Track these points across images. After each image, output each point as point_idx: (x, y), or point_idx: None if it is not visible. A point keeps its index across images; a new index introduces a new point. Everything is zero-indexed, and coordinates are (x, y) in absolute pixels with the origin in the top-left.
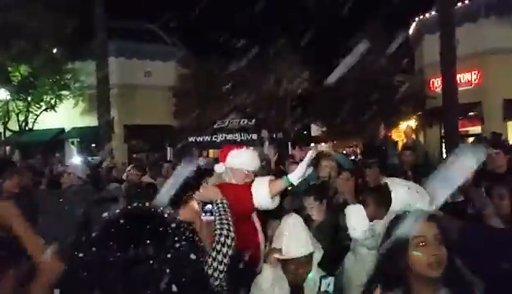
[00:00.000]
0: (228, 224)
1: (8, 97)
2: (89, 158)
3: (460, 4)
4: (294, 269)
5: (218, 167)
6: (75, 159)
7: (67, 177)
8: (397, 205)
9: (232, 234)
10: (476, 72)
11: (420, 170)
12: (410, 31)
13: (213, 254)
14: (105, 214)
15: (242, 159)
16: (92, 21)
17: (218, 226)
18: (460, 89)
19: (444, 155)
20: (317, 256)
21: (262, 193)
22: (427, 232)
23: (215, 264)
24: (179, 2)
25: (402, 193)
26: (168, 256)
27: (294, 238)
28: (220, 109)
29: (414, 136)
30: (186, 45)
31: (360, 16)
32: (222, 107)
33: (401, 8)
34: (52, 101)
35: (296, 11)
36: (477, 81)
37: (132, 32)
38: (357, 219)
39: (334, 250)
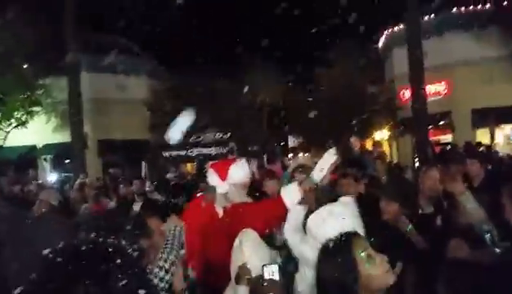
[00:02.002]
0: (171, 249)
1: None
2: (63, 175)
3: (426, 18)
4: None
5: (222, 188)
6: (49, 176)
7: (38, 205)
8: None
9: (172, 258)
10: (444, 83)
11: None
12: (380, 44)
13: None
14: (45, 251)
15: (243, 172)
16: (63, 36)
17: (161, 250)
18: (429, 99)
19: (416, 164)
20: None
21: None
22: (363, 247)
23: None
24: (151, 15)
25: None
26: None
27: (256, 254)
28: (195, 123)
29: (382, 148)
30: (159, 58)
31: (333, 28)
32: (197, 120)
33: (371, 21)
34: (23, 118)
35: (271, 22)
36: (446, 91)
37: (104, 46)
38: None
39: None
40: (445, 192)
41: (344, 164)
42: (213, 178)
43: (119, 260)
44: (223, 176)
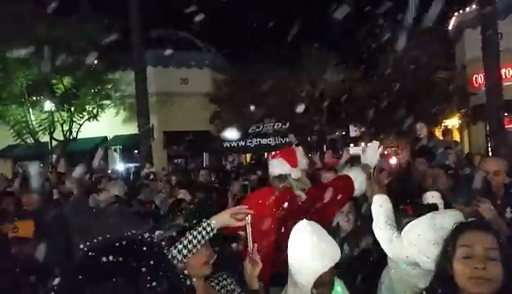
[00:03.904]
0: (188, 241)
1: (53, 108)
2: (132, 165)
3: None
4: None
5: (296, 173)
6: (119, 166)
7: (104, 195)
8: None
9: (179, 256)
10: None
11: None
12: (450, 26)
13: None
14: (81, 245)
15: (305, 159)
16: (129, 32)
17: (184, 238)
18: (505, 84)
19: (490, 154)
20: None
21: (362, 179)
22: (476, 242)
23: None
24: (212, 10)
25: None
26: None
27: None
28: (255, 114)
29: (451, 137)
30: (221, 51)
31: (395, 12)
32: (258, 111)
33: (440, 3)
34: (94, 111)
35: (329, 9)
36: None
37: (168, 40)
38: (379, 208)
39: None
40: None
41: (413, 154)
42: (283, 166)
43: (152, 261)
44: (295, 163)
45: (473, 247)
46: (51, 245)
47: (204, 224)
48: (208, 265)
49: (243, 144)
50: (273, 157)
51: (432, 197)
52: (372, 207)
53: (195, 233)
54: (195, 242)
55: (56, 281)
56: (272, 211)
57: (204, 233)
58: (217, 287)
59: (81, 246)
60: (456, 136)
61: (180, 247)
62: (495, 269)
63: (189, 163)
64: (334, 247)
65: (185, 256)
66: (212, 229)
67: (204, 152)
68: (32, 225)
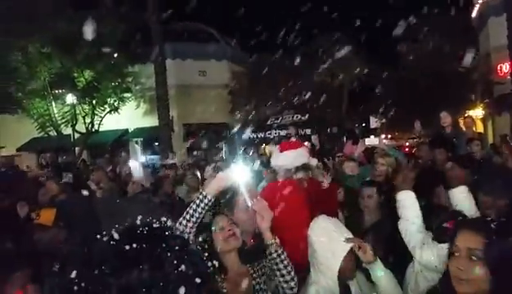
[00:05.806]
0: (190, 215)
1: (75, 101)
2: (154, 157)
3: None
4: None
5: (315, 161)
6: (140, 158)
7: (131, 186)
8: None
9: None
10: None
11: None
12: (474, 14)
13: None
14: (103, 232)
15: None
16: (148, 26)
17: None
18: None
19: None
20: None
21: None
22: (461, 242)
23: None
24: (231, 1)
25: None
26: (166, 282)
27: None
28: (274, 105)
29: (475, 128)
30: (239, 42)
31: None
32: (277, 102)
33: None
34: (116, 103)
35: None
36: None
37: (186, 33)
38: (409, 206)
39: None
40: None
41: (434, 144)
42: (306, 155)
43: (176, 246)
44: (309, 152)
45: (458, 247)
46: (78, 234)
47: (198, 194)
48: (235, 236)
49: (262, 135)
50: (287, 148)
51: (460, 193)
52: (398, 204)
53: (192, 204)
54: (190, 211)
55: (74, 274)
56: (305, 202)
57: (197, 201)
58: (252, 271)
59: (98, 236)
60: (480, 127)
61: (184, 221)
62: (475, 269)
63: (207, 156)
64: (347, 233)
65: (191, 228)
66: (204, 196)
67: (222, 144)
68: (53, 214)
